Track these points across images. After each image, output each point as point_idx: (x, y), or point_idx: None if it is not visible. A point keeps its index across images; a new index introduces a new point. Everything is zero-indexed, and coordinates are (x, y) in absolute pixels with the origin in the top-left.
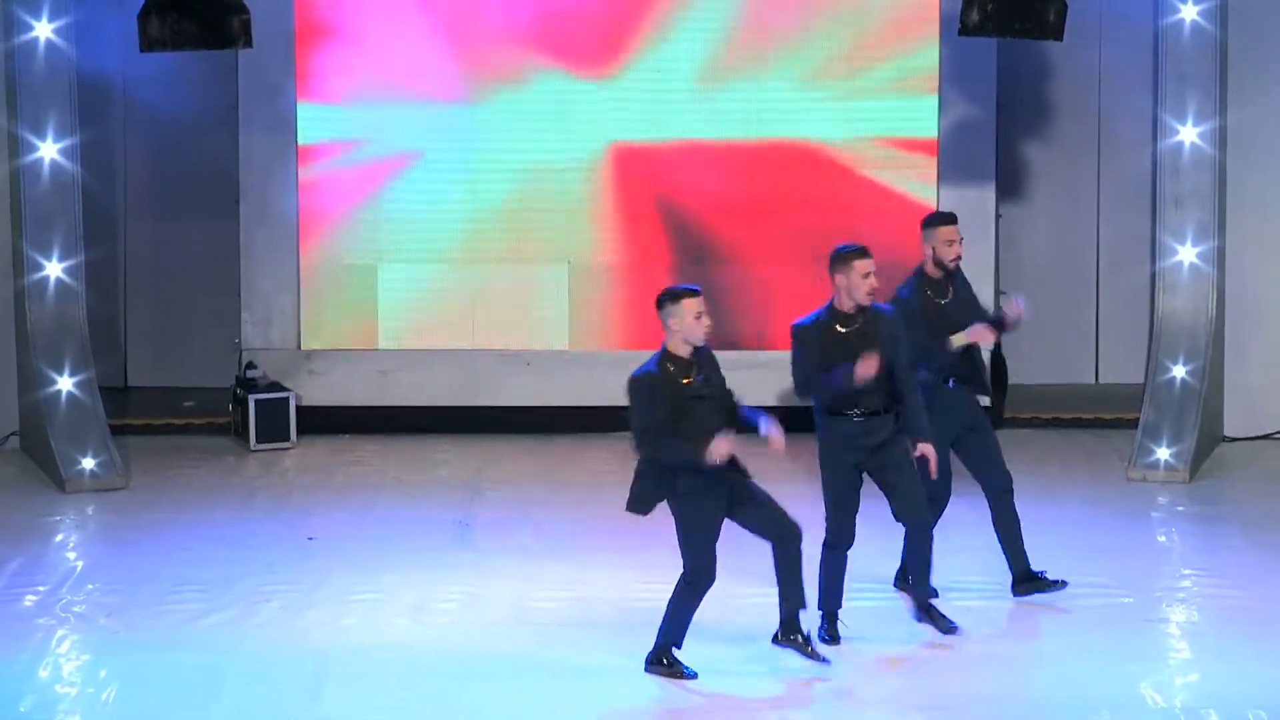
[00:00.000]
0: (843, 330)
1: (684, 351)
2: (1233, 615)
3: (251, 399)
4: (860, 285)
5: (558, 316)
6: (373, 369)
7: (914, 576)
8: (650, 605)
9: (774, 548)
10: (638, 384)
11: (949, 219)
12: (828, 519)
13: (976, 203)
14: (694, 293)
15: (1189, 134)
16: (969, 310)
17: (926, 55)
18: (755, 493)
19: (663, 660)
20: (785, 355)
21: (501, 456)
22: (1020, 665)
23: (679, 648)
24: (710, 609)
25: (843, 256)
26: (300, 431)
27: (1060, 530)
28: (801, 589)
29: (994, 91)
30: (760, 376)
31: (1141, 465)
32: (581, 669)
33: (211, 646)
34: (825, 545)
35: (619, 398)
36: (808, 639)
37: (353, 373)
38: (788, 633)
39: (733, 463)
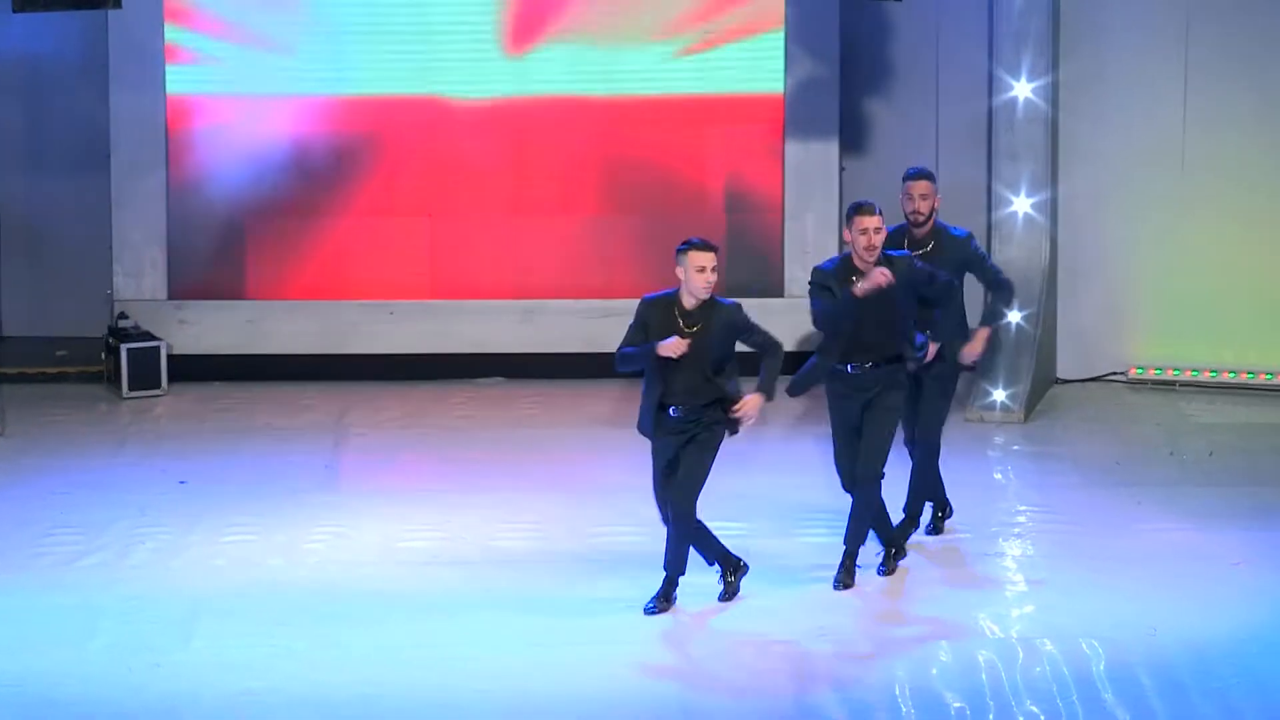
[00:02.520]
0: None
1: (688, 302)
2: (1065, 549)
3: (123, 348)
4: (858, 240)
5: (420, 267)
6: (241, 319)
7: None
8: (513, 545)
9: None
10: (640, 304)
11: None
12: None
13: (821, 156)
14: (702, 246)
15: (1023, 89)
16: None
17: (772, 15)
18: (687, 459)
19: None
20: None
21: (366, 402)
22: (863, 598)
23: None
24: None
25: (850, 211)
26: (171, 380)
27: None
28: (669, 557)
29: (837, 49)
30: (614, 324)
31: (979, 407)
32: (447, 606)
33: (86, 587)
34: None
35: (478, 345)
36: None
37: (222, 322)
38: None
39: (693, 416)
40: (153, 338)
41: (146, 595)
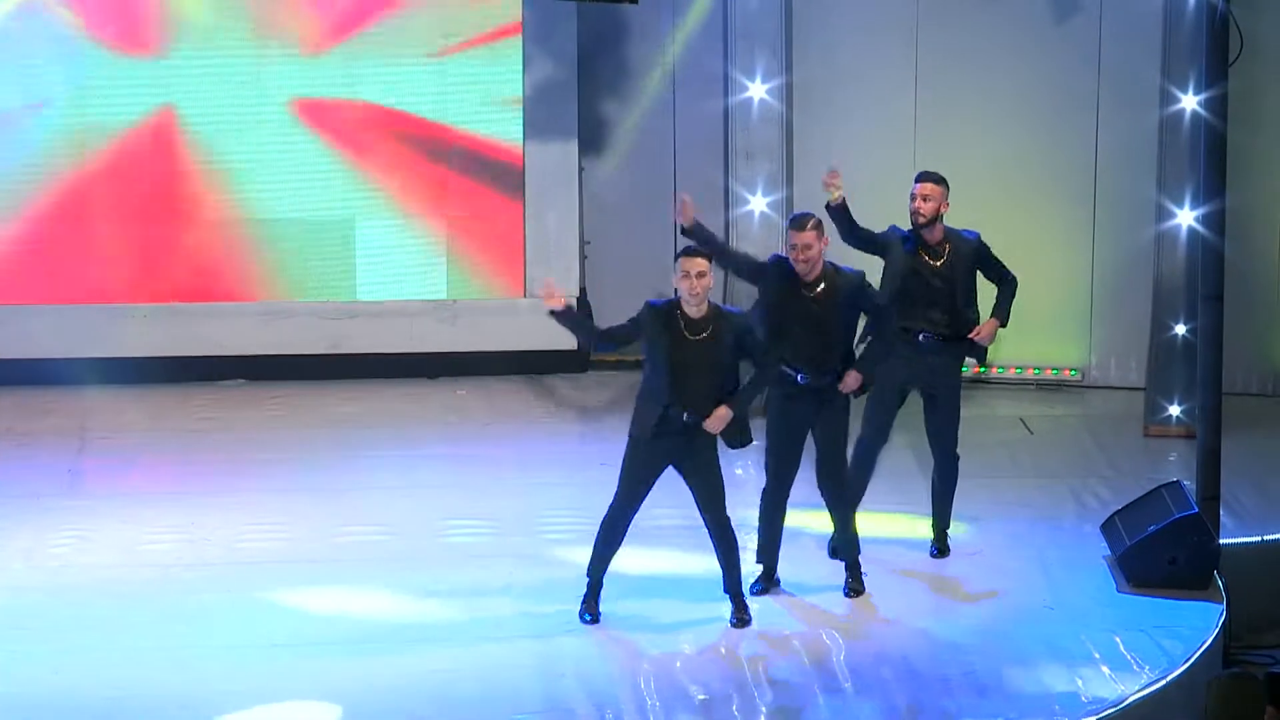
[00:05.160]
0: (806, 294)
1: (693, 311)
2: (808, 541)
3: None
4: (790, 254)
5: (161, 270)
6: None
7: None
8: (257, 546)
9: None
10: (644, 306)
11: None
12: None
13: (560, 157)
14: (691, 252)
15: (758, 90)
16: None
17: (510, 17)
18: (706, 467)
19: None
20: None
21: (108, 406)
22: (607, 600)
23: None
24: None
25: (791, 223)
26: None
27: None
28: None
29: (575, 51)
30: (357, 325)
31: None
32: (191, 608)
33: None
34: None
35: (220, 347)
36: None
37: None
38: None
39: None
40: None
41: None
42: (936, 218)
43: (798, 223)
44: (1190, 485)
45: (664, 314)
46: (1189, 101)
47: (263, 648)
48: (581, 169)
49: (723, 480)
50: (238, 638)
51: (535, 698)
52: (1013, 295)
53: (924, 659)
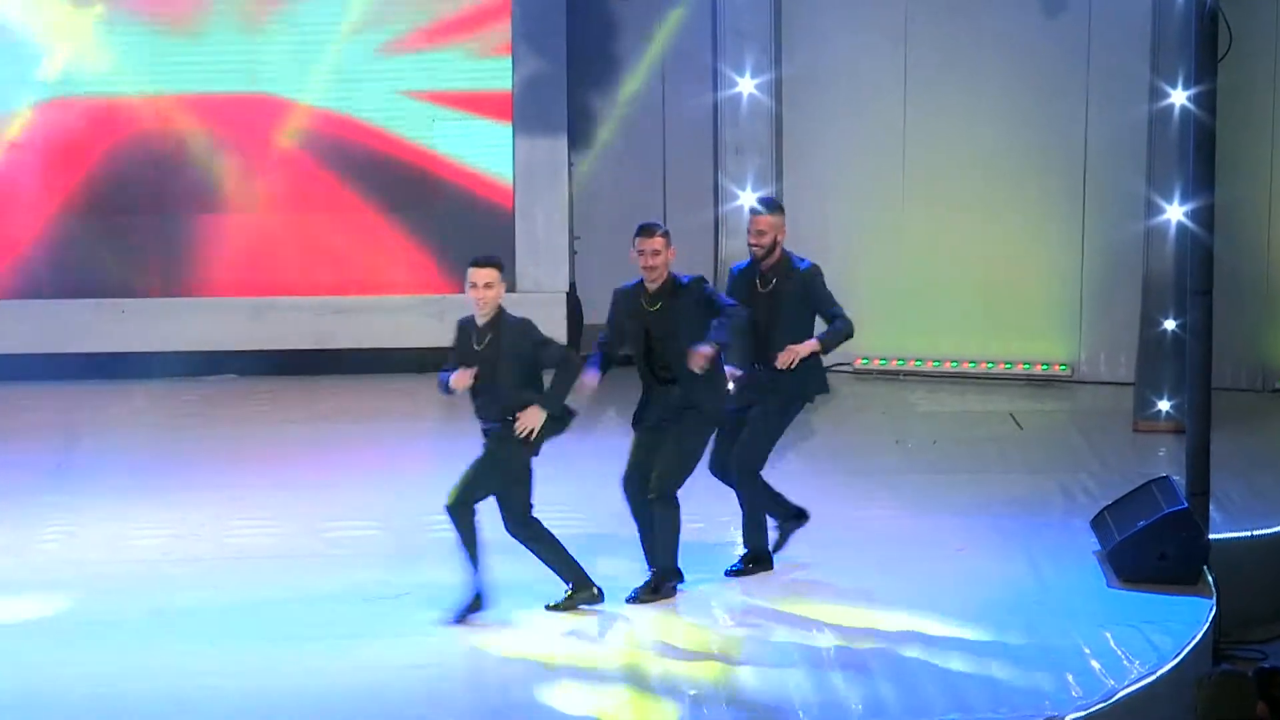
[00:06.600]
0: (648, 308)
1: (479, 320)
2: (794, 536)
3: None
4: (637, 260)
5: (150, 265)
6: None
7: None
8: (245, 541)
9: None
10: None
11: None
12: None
13: (549, 153)
14: (475, 263)
15: (747, 85)
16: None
17: (499, 13)
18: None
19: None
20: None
21: (97, 400)
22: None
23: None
24: None
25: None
26: None
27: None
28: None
29: (564, 47)
30: (343, 320)
31: None
32: (179, 603)
33: None
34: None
35: (209, 343)
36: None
37: None
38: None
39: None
40: None
41: None
42: (773, 248)
43: (646, 230)
44: (1179, 480)
45: (461, 327)
46: (1178, 97)
47: (253, 642)
48: (570, 164)
49: (516, 491)
50: (228, 633)
51: (526, 694)
52: (842, 336)
53: (913, 654)
